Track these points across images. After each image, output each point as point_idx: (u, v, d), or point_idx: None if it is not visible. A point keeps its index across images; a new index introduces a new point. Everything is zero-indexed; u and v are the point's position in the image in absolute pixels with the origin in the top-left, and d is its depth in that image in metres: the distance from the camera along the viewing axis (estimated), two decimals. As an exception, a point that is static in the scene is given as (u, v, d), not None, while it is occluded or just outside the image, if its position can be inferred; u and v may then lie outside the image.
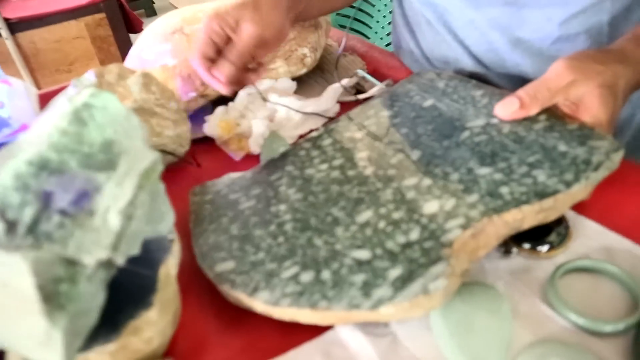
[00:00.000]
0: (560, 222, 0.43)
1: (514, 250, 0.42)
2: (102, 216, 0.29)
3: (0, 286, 0.26)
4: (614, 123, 0.45)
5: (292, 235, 0.41)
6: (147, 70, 0.62)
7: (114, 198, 0.30)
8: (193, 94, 0.63)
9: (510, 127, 0.45)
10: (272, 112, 0.60)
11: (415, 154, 0.46)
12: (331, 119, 0.61)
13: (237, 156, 0.59)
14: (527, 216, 0.38)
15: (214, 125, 0.60)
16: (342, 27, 1.62)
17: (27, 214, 0.29)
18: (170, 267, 0.38)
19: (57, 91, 0.78)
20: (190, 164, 0.59)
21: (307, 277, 0.37)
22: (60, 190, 0.29)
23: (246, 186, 0.49)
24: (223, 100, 0.63)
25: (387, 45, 1.42)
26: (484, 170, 0.41)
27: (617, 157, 0.40)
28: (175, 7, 1.57)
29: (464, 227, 0.37)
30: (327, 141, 0.51)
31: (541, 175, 0.39)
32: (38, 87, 1.89)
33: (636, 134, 0.66)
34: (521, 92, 0.44)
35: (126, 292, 0.34)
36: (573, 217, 0.44)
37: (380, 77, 0.69)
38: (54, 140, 0.31)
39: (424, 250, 0.36)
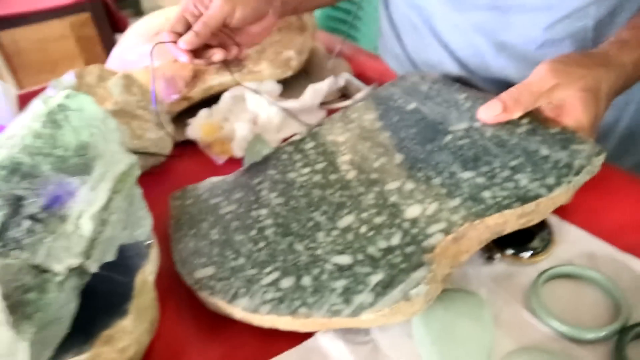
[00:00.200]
0: (543, 228, 0.43)
1: (497, 256, 0.41)
2: (75, 222, 0.28)
3: (-34, 294, 0.25)
4: (596, 127, 0.45)
5: (273, 241, 0.40)
6: (129, 71, 0.61)
7: (88, 203, 0.29)
8: (176, 97, 0.62)
9: (493, 131, 0.45)
10: (255, 115, 0.59)
11: (398, 158, 0.45)
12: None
13: (220, 159, 0.58)
14: (509, 220, 0.37)
15: (197, 128, 0.60)
16: (331, 30, 1.62)
17: (-4, 220, 0.28)
18: (147, 273, 0.37)
19: (38, 92, 0.77)
20: (173, 162, 0.58)
21: (287, 283, 0.36)
22: (32, 194, 0.28)
23: (227, 190, 0.48)
24: (206, 103, 0.62)
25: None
26: (466, 174, 0.41)
27: (599, 161, 0.39)
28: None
29: (446, 231, 0.36)
30: (309, 144, 0.51)
31: (523, 180, 0.39)
32: (20, 87, 1.86)
33: (621, 140, 0.67)
34: (504, 95, 0.44)
35: (100, 300, 0.33)
36: (557, 223, 0.44)
37: (366, 80, 0.69)
38: (27, 143, 0.30)
39: (405, 255, 0.36)
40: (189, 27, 0.55)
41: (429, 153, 0.45)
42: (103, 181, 0.30)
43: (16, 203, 0.28)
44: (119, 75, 0.53)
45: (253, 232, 0.42)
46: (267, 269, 0.38)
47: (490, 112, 0.44)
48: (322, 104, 0.65)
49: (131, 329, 0.33)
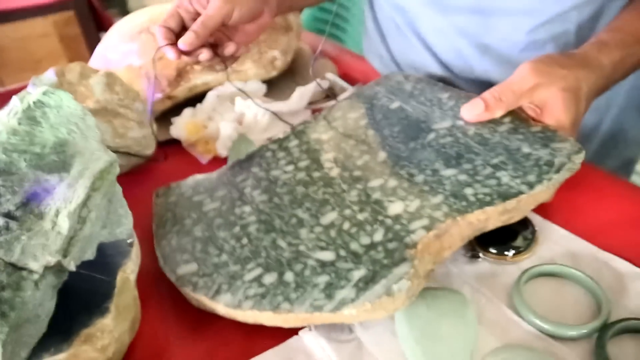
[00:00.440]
0: (526, 227, 0.43)
1: (481, 254, 0.41)
2: (52, 219, 0.28)
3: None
4: (577, 126, 0.45)
5: (256, 237, 0.40)
6: (112, 70, 0.60)
7: (66, 200, 0.29)
8: (159, 96, 0.61)
9: (475, 129, 0.45)
10: (240, 115, 0.59)
11: (382, 156, 0.46)
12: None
13: (204, 159, 0.58)
14: (491, 217, 0.38)
15: (181, 127, 0.59)
16: (319, 31, 1.62)
17: (-29, 217, 0.27)
18: (128, 272, 0.36)
19: (19, 90, 0.76)
20: (157, 162, 0.57)
21: (270, 278, 0.36)
22: (7, 192, 0.28)
23: (211, 188, 0.48)
24: (191, 102, 0.62)
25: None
26: (449, 172, 0.41)
27: (579, 158, 0.40)
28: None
29: (428, 228, 0.37)
30: (293, 142, 0.51)
31: (505, 177, 0.39)
32: (2, 85, 1.83)
33: (603, 142, 0.68)
34: (486, 94, 0.45)
35: (80, 299, 0.32)
36: (539, 222, 0.44)
37: (351, 80, 0.69)
38: (3, 140, 0.30)
39: (387, 252, 0.36)
40: (181, 23, 0.54)
41: (412, 151, 0.45)
42: (81, 179, 0.30)
43: (-8, 200, 0.27)
44: (101, 74, 0.52)
45: (236, 229, 0.42)
46: (250, 265, 0.38)
47: (472, 111, 0.45)
48: (308, 104, 0.65)
49: (111, 328, 0.32)
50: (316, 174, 0.45)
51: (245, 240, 0.40)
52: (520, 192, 0.38)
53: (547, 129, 0.43)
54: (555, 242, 0.42)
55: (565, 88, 0.43)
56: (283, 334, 0.37)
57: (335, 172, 0.45)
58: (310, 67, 0.73)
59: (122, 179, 0.43)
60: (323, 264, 0.36)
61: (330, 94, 0.67)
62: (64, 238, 0.27)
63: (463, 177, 0.40)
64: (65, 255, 0.27)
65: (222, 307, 0.36)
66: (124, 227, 0.35)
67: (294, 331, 0.37)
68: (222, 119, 0.59)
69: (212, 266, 0.39)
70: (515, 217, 0.39)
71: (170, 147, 0.60)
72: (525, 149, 0.41)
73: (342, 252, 0.37)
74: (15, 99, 0.34)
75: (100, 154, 0.32)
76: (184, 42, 0.51)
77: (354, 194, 0.42)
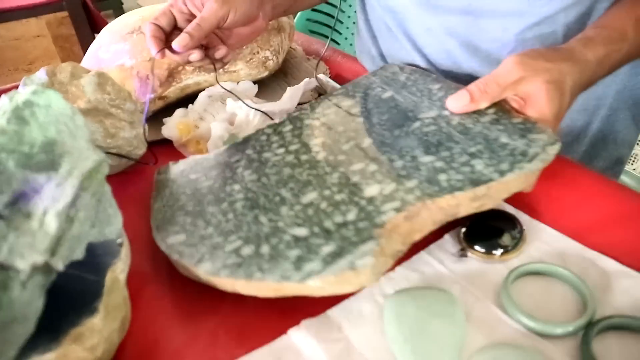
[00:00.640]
0: (514, 226, 0.43)
1: (469, 253, 0.42)
2: (40, 219, 0.28)
3: None
4: (560, 118, 0.46)
5: (241, 213, 0.43)
6: (104, 70, 0.60)
7: (54, 200, 0.29)
8: (151, 95, 0.61)
9: (459, 119, 0.47)
10: (231, 115, 0.59)
11: (367, 142, 0.48)
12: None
13: (196, 159, 0.58)
14: (462, 203, 0.39)
15: (173, 127, 0.59)
16: (312, 32, 1.62)
17: (-41, 217, 0.27)
18: (118, 272, 0.37)
19: (10, 89, 0.75)
20: (147, 165, 0.57)
21: (247, 250, 0.38)
22: (-5, 191, 0.28)
23: (207, 167, 0.51)
24: (182, 102, 0.62)
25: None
26: (427, 158, 0.43)
27: (553, 149, 0.41)
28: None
29: (399, 210, 0.38)
30: (287, 127, 0.53)
31: (479, 165, 0.41)
32: (-4, 86, 1.82)
33: (593, 142, 0.68)
34: (472, 86, 0.46)
35: (69, 298, 0.32)
36: (528, 221, 0.45)
37: (342, 81, 0.69)
38: (-9, 139, 0.30)
39: (357, 230, 0.37)
40: (173, 22, 0.54)
41: (395, 138, 0.47)
42: (70, 178, 0.30)
43: (-21, 200, 0.27)
44: (92, 74, 0.52)
45: (224, 205, 0.44)
46: (232, 238, 0.40)
47: (458, 102, 0.46)
48: (299, 104, 0.65)
49: (101, 327, 0.33)
50: (304, 157, 0.48)
51: (230, 215, 0.43)
52: (491, 179, 0.39)
53: (527, 121, 0.44)
54: (543, 241, 0.43)
55: (549, 80, 0.44)
56: (271, 334, 0.37)
57: (321, 155, 0.47)
58: (302, 68, 0.73)
59: (113, 179, 0.44)
60: (297, 239, 0.38)
61: (322, 93, 0.67)
62: (52, 237, 0.28)
63: (440, 164, 0.42)
64: (53, 255, 0.28)
65: (202, 273, 0.38)
66: (114, 226, 0.35)
67: (283, 330, 0.37)
68: (214, 119, 0.59)
69: (199, 237, 0.41)
70: (487, 205, 0.40)
71: (161, 147, 0.60)
72: (504, 139, 0.43)
73: (316, 229, 0.39)
74: (4, 98, 0.34)
75: (89, 153, 0.32)
76: (178, 44, 0.51)
77: (336, 176, 0.44)
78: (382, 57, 0.72)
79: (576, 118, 0.65)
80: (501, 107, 0.47)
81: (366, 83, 0.58)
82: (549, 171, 0.42)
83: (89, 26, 1.95)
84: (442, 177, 0.40)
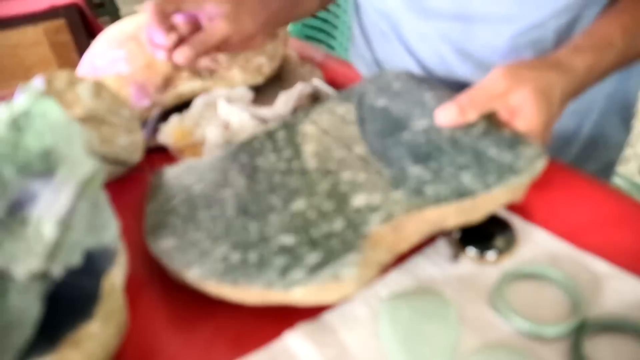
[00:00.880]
0: (507, 229, 0.44)
1: (462, 256, 0.42)
2: (37, 225, 0.28)
3: None
4: (549, 127, 0.46)
5: (231, 219, 0.43)
6: (100, 77, 0.61)
7: (50, 207, 0.29)
8: (147, 103, 0.62)
9: (449, 131, 0.47)
10: (226, 120, 0.60)
11: (357, 150, 0.48)
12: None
13: (192, 165, 0.58)
14: (448, 215, 0.40)
15: (169, 133, 0.60)
16: (306, 37, 1.63)
17: (-44, 224, 0.27)
18: (115, 277, 0.37)
19: (7, 96, 0.76)
20: (142, 173, 0.57)
21: (235, 257, 0.39)
22: (-8, 199, 0.28)
23: (201, 172, 0.51)
24: (178, 108, 0.62)
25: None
26: (415, 169, 0.43)
27: (540, 163, 0.41)
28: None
29: (384, 221, 0.39)
30: (281, 134, 0.53)
31: (466, 177, 0.41)
32: (-7, 93, 1.82)
33: (584, 146, 0.69)
34: (460, 99, 0.46)
35: (66, 304, 0.33)
36: (520, 224, 0.45)
37: (337, 86, 0.70)
38: (-12, 147, 0.30)
39: (343, 240, 0.38)
40: (168, 20, 0.55)
41: (386, 147, 0.47)
42: (66, 185, 0.30)
43: (-24, 207, 0.28)
44: (88, 81, 0.53)
45: (215, 210, 0.44)
46: (220, 244, 0.40)
47: (446, 115, 0.46)
48: (294, 109, 0.65)
49: (97, 333, 0.33)
50: (295, 164, 0.48)
51: (220, 221, 0.43)
52: (476, 192, 0.39)
53: (517, 133, 0.45)
54: (536, 243, 0.43)
55: (537, 90, 0.44)
56: (267, 338, 0.37)
57: (312, 163, 0.47)
58: (297, 74, 0.74)
59: (110, 186, 0.44)
60: (284, 248, 0.39)
61: (317, 98, 0.68)
62: (49, 244, 0.28)
63: (427, 175, 0.42)
64: (50, 261, 0.28)
65: (190, 278, 0.39)
66: (110, 233, 0.35)
67: (278, 334, 0.38)
68: (209, 125, 0.59)
69: (188, 242, 0.42)
70: (475, 216, 0.41)
71: (157, 153, 0.61)
72: (492, 152, 0.43)
73: (303, 238, 0.39)
74: (1, 107, 0.35)
75: (85, 160, 0.32)
76: (182, 57, 0.52)
77: (325, 184, 0.44)
78: (377, 61, 0.73)
79: (567, 122, 0.65)
80: (491, 120, 0.47)
81: (361, 90, 0.58)
82: (541, 174, 0.42)
83: (86, 33, 1.96)
84: (429, 188, 0.41)
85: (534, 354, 0.35)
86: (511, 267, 0.40)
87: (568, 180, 0.50)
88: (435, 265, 0.42)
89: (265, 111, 0.60)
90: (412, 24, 0.62)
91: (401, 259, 0.42)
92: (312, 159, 0.48)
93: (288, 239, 0.39)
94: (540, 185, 0.45)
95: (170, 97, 0.63)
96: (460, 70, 0.62)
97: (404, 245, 0.40)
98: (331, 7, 1.57)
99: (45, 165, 0.31)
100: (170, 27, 0.55)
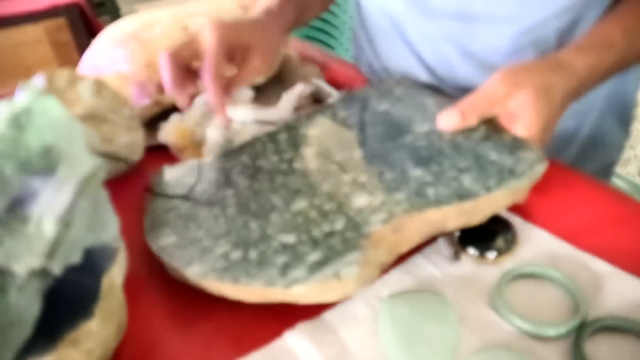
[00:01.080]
0: (508, 229, 0.44)
1: (463, 256, 0.42)
2: (37, 223, 0.28)
3: None
4: (549, 129, 0.46)
5: (232, 218, 0.43)
6: (100, 76, 0.61)
7: (51, 204, 0.29)
8: (147, 101, 0.62)
9: (450, 135, 0.47)
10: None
11: (359, 153, 0.48)
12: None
13: (192, 164, 0.58)
14: (448, 217, 0.40)
15: (169, 132, 0.60)
16: (306, 37, 1.63)
17: (-44, 222, 0.27)
18: (114, 276, 0.37)
19: (7, 95, 0.76)
20: (142, 172, 0.57)
21: (236, 255, 0.39)
22: (-8, 196, 0.28)
23: (202, 171, 0.52)
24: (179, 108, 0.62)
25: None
26: (416, 172, 0.44)
27: (540, 168, 0.42)
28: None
29: (385, 221, 0.39)
30: (283, 136, 0.54)
31: (467, 180, 0.41)
32: (-7, 92, 1.82)
33: (582, 147, 0.69)
34: (461, 104, 0.46)
35: (65, 303, 0.33)
36: (520, 224, 0.45)
37: (338, 86, 0.70)
38: (-12, 145, 0.30)
39: (344, 239, 0.38)
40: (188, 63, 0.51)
41: (387, 150, 0.47)
42: (67, 183, 0.30)
43: (-23, 205, 0.28)
44: (89, 80, 0.53)
45: (216, 209, 0.45)
46: (221, 242, 0.41)
47: (448, 120, 0.46)
48: (295, 109, 0.65)
49: (97, 331, 0.33)
50: (297, 166, 0.48)
51: (221, 220, 0.44)
52: (477, 195, 0.40)
53: (517, 138, 0.45)
54: (536, 243, 0.43)
55: (536, 94, 0.44)
56: (267, 337, 0.37)
57: (314, 165, 0.48)
58: (297, 74, 0.74)
59: (109, 184, 0.44)
60: (284, 246, 0.39)
61: (318, 98, 0.68)
62: (49, 242, 0.28)
63: (428, 178, 0.42)
64: (50, 259, 0.28)
65: (191, 276, 0.39)
66: (110, 231, 0.35)
67: (278, 333, 0.38)
68: (210, 125, 0.59)
69: (189, 240, 0.42)
70: (475, 219, 0.41)
71: (158, 153, 0.61)
72: (493, 156, 0.43)
73: (304, 237, 0.39)
74: (1, 105, 0.35)
75: (86, 158, 0.32)
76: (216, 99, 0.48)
77: (326, 186, 0.45)
78: (379, 61, 0.73)
79: (567, 122, 0.65)
80: (492, 125, 0.47)
81: (362, 95, 0.59)
82: (541, 175, 0.42)
83: (86, 32, 1.96)
84: (430, 190, 0.41)
85: (534, 354, 0.35)
86: (511, 267, 0.40)
87: (569, 181, 0.50)
88: (435, 265, 0.42)
89: (266, 112, 0.60)
90: (415, 23, 0.62)
91: (401, 258, 0.42)
92: (314, 160, 0.49)
93: (289, 238, 0.40)
94: (540, 185, 0.45)
95: (171, 97, 0.63)
96: (462, 69, 0.62)
97: (405, 247, 0.40)
98: (331, 7, 1.57)
99: (46, 163, 0.31)
100: (186, 76, 0.51)
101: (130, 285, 0.43)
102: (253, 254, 0.39)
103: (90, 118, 0.51)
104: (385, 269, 0.40)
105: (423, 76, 0.65)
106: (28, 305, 0.28)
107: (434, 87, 0.63)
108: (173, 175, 0.53)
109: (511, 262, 0.42)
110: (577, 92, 0.49)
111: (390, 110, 0.54)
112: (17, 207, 0.29)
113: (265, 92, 0.69)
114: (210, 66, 0.47)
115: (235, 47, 0.49)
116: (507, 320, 0.37)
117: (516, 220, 0.45)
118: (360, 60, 0.80)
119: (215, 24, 0.48)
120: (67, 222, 0.30)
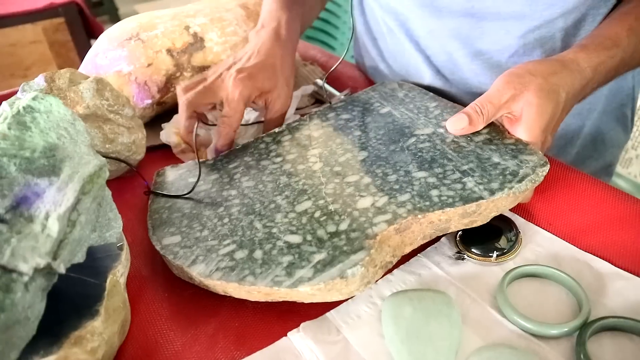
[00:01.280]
0: (510, 229, 0.44)
1: (466, 256, 0.42)
2: (42, 222, 0.28)
3: None
4: (553, 129, 0.46)
5: (237, 218, 0.44)
6: (102, 76, 0.61)
7: (55, 204, 0.29)
8: (149, 102, 0.62)
9: (453, 138, 0.48)
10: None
11: (362, 155, 0.49)
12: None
13: (194, 164, 0.58)
14: (452, 219, 0.40)
15: (171, 133, 0.60)
16: (308, 37, 1.63)
17: (-38, 221, 0.27)
18: (118, 275, 0.37)
19: (8, 95, 0.76)
20: (144, 171, 0.57)
21: (241, 254, 0.40)
22: (-2, 195, 0.28)
23: (205, 171, 0.52)
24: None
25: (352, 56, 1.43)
26: (420, 174, 0.44)
27: (543, 171, 0.42)
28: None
29: (390, 222, 0.39)
30: (286, 137, 0.54)
31: (470, 182, 0.42)
32: (-8, 92, 1.81)
33: (584, 146, 0.69)
34: (469, 109, 0.46)
35: (70, 301, 0.33)
36: (523, 224, 0.45)
37: (339, 86, 0.70)
38: (-7, 144, 0.30)
39: (349, 240, 0.39)
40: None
41: (391, 153, 0.48)
42: (71, 182, 0.30)
43: (-18, 204, 0.28)
44: (90, 79, 0.52)
45: (220, 209, 0.46)
46: (226, 242, 0.41)
47: (457, 124, 0.46)
48: (297, 109, 0.65)
49: (101, 330, 0.33)
50: (300, 167, 0.49)
51: (226, 220, 0.44)
52: (481, 197, 0.40)
53: (519, 142, 0.45)
54: (538, 243, 0.43)
55: (539, 95, 0.44)
56: (271, 337, 0.37)
57: (318, 166, 0.48)
58: (299, 74, 0.74)
59: (113, 184, 0.44)
60: (290, 246, 0.39)
61: (319, 98, 0.68)
62: (54, 241, 0.28)
63: (432, 180, 0.43)
64: (55, 258, 0.28)
65: (195, 275, 0.39)
66: (114, 230, 0.35)
67: (282, 333, 0.38)
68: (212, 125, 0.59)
69: (194, 239, 0.42)
70: (478, 221, 0.41)
71: (159, 152, 0.61)
72: (495, 159, 0.44)
73: (309, 237, 0.40)
74: (4, 105, 0.35)
75: (90, 158, 0.32)
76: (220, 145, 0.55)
77: (330, 187, 0.45)
78: (383, 59, 0.72)
79: (569, 121, 0.65)
80: (495, 128, 0.48)
81: (365, 98, 0.59)
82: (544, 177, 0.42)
83: (85, 32, 1.96)
84: (434, 192, 0.41)
85: (536, 353, 0.35)
86: (514, 266, 0.41)
87: (570, 181, 0.50)
88: (438, 265, 0.42)
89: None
90: (422, 21, 0.62)
91: (405, 258, 0.42)
92: (317, 161, 0.49)
93: (294, 238, 0.40)
94: (543, 185, 0.45)
95: (172, 97, 0.63)
96: (468, 68, 0.62)
97: (408, 248, 0.41)
98: (331, 7, 1.57)
99: (50, 163, 0.31)
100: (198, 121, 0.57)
101: (134, 283, 0.43)
102: (258, 254, 0.39)
103: (92, 118, 0.51)
104: (389, 269, 0.40)
105: (428, 75, 0.65)
106: (33, 304, 0.28)
107: (435, 90, 0.63)
108: (174, 175, 0.53)
109: (514, 262, 0.42)
110: (583, 92, 0.49)
111: (392, 113, 0.54)
112: (22, 206, 0.29)
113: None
114: (229, 126, 0.54)
115: (255, 96, 0.56)
116: (510, 319, 0.37)
117: (519, 221, 0.45)
118: (362, 59, 0.79)
119: (238, 81, 0.54)
120: (72, 221, 0.30)
